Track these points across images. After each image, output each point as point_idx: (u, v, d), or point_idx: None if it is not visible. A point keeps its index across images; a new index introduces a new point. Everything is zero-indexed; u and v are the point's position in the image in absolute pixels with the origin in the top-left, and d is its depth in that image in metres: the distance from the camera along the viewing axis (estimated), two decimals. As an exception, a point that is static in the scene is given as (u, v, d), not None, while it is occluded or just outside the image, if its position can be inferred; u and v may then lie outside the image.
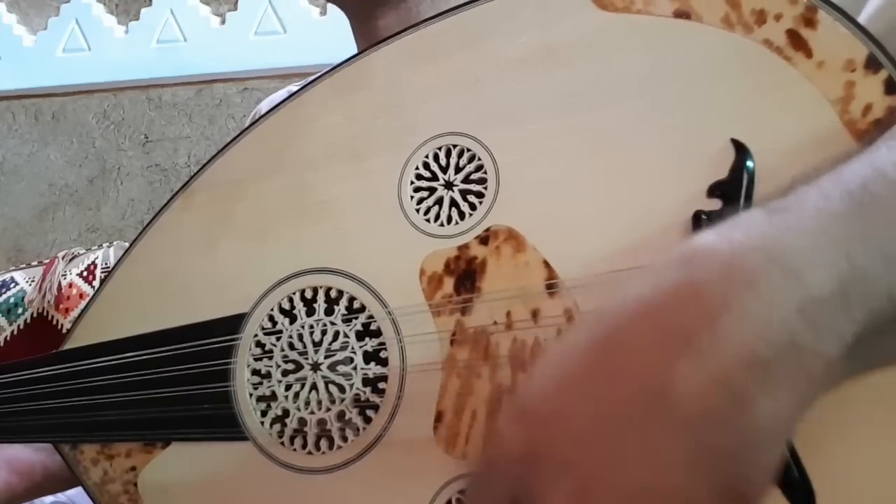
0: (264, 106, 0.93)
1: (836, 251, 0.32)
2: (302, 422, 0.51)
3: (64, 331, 1.10)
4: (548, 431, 0.34)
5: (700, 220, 0.42)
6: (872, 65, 0.40)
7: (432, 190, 0.49)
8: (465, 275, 0.47)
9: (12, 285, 1.18)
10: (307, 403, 0.51)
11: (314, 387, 0.51)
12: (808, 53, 0.42)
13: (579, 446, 0.33)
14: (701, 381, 0.31)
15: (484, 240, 0.47)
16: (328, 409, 0.50)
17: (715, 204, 0.42)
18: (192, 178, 0.56)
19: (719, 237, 0.33)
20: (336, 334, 0.51)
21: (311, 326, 0.51)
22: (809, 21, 0.42)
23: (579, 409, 0.33)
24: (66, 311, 1.12)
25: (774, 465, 0.33)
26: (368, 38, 0.65)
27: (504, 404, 0.39)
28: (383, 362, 0.49)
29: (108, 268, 1.13)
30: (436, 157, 0.50)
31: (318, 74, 0.54)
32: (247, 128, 0.55)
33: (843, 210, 0.33)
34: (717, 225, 0.34)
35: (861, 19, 0.43)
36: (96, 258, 1.16)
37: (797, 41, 0.42)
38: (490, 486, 0.37)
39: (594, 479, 0.33)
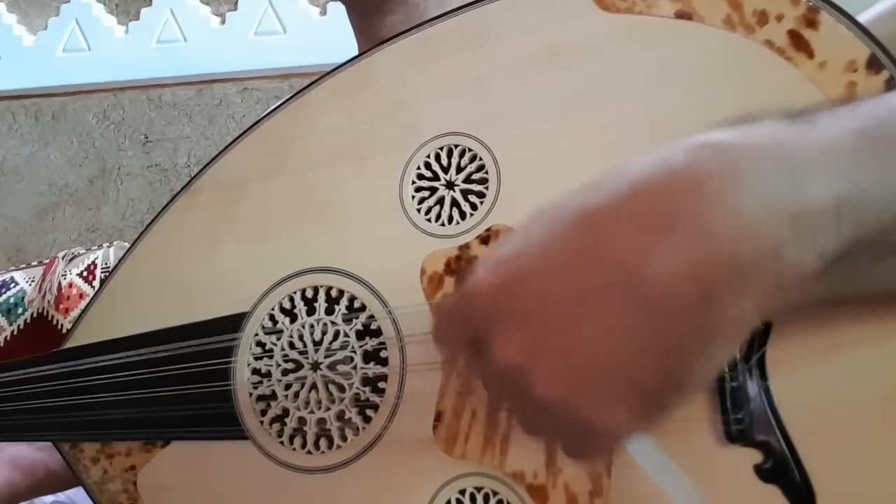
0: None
1: (843, 167, 0.32)
2: (301, 421, 0.51)
3: (64, 331, 1.10)
4: (515, 285, 0.35)
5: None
6: (874, 65, 0.40)
7: (434, 190, 0.49)
8: (465, 274, 0.47)
9: (12, 285, 1.18)
10: (307, 403, 0.51)
11: (314, 386, 0.51)
12: (810, 54, 0.42)
13: (539, 306, 0.34)
14: (675, 269, 0.31)
15: (485, 239, 0.47)
16: (328, 409, 0.50)
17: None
18: (194, 177, 0.56)
19: (733, 135, 0.33)
20: (336, 334, 0.51)
21: (312, 326, 0.51)
22: (811, 22, 0.42)
23: (550, 271, 0.34)
24: (66, 311, 1.12)
25: (719, 366, 0.34)
26: (372, 36, 0.65)
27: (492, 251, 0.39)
28: (383, 362, 0.49)
29: (108, 268, 1.13)
30: (437, 157, 0.50)
31: (321, 75, 0.54)
32: (249, 127, 0.55)
33: (857, 129, 0.33)
34: (734, 125, 0.34)
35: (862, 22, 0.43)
36: (96, 258, 1.16)
37: (799, 42, 0.42)
38: (457, 321, 0.38)
39: (543, 339, 0.34)
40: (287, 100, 0.54)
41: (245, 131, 0.55)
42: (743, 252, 0.31)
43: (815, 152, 0.32)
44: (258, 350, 0.52)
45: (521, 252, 0.35)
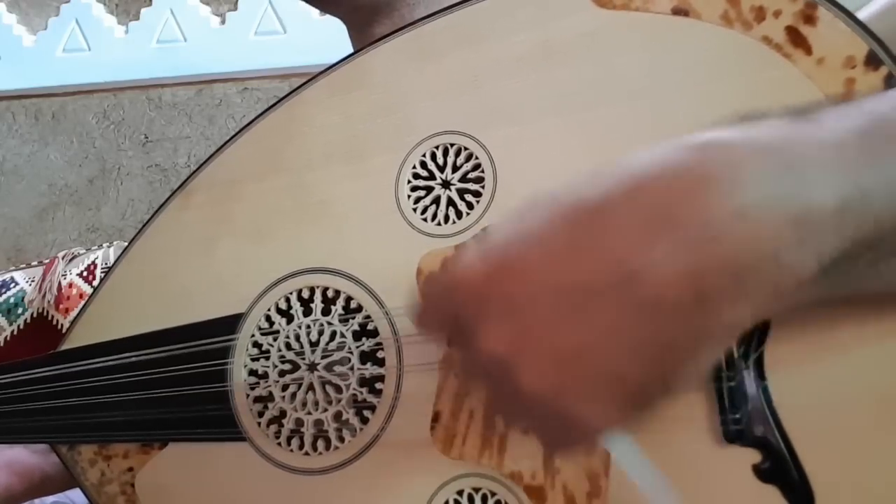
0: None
1: (847, 169, 0.31)
2: (299, 422, 0.51)
3: (64, 331, 1.10)
4: (506, 275, 0.34)
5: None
6: (873, 61, 0.40)
7: (429, 189, 0.49)
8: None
9: (12, 285, 1.18)
10: (304, 404, 0.51)
11: (311, 387, 0.50)
12: (808, 50, 0.41)
13: (532, 298, 0.33)
14: (673, 271, 0.31)
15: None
16: (325, 410, 0.50)
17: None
18: (189, 176, 0.56)
19: (738, 133, 0.32)
20: (333, 334, 0.50)
21: (308, 326, 0.51)
22: (809, 18, 0.42)
23: (544, 264, 0.33)
24: (66, 311, 1.12)
25: (708, 368, 0.33)
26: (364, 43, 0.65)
27: (478, 237, 0.37)
28: (380, 362, 0.49)
29: (108, 268, 1.13)
30: (433, 156, 0.49)
31: (315, 74, 0.54)
32: (244, 126, 0.55)
33: (860, 129, 0.32)
34: (738, 124, 0.33)
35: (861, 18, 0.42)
36: (96, 258, 1.16)
37: (797, 38, 0.42)
38: (441, 303, 0.37)
39: (532, 332, 0.33)
40: (281, 99, 0.54)
41: (240, 130, 0.55)
42: (743, 256, 0.30)
43: (820, 152, 0.31)
44: (255, 351, 0.52)
45: (514, 241, 0.34)
